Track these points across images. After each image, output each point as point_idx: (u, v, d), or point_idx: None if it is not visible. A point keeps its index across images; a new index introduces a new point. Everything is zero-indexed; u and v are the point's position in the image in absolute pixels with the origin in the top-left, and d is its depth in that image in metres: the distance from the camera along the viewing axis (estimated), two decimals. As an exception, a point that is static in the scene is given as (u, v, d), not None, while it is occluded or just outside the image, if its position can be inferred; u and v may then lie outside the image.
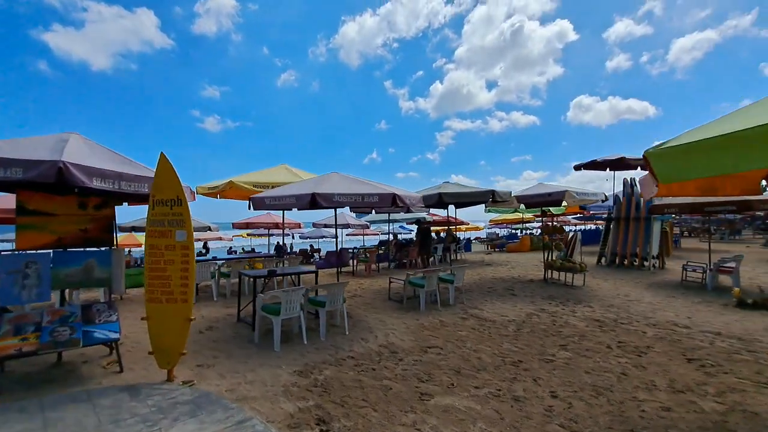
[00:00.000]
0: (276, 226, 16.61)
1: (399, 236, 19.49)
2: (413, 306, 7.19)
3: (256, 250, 22.10)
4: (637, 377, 4.10)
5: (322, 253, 20.28)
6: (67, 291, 5.43)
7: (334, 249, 20.25)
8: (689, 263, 9.57)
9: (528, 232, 30.79)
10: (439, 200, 7.46)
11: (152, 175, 4.09)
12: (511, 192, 8.42)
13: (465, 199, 7.82)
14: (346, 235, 26.92)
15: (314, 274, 6.38)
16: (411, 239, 16.79)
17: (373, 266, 12.00)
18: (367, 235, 26.62)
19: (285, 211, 10.39)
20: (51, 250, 4.36)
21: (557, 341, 5.29)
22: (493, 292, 8.57)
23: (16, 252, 4.21)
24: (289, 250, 23.22)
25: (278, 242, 24.84)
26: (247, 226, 17.46)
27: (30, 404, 3.39)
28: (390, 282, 8.05)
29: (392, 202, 5.54)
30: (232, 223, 17.59)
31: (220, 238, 24.67)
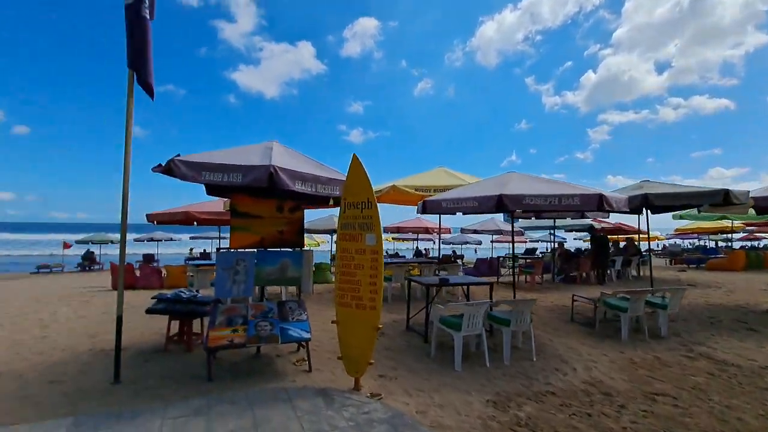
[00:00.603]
0: (426, 230, 16.49)
1: (564, 245, 17.32)
2: (608, 333, 5.88)
3: (399, 254, 22.53)
4: None
5: (465, 259, 19.44)
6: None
7: (482, 256, 19.28)
8: None
9: (727, 244, 24.31)
10: (644, 202, 5.95)
11: (343, 178, 4.04)
12: (749, 192, 6.27)
13: (680, 201, 6.08)
14: (491, 242, 25.44)
15: (489, 287, 5.70)
16: (579, 249, 14.63)
17: (537, 278, 10.69)
18: (516, 242, 24.67)
19: (441, 216, 9.98)
20: (255, 249, 4.74)
21: None
22: (718, 323, 6.53)
23: (231, 250, 4.66)
24: (430, 255, 23.10)
25: (417, 247, 25.03)
26: (398, 230, 17.81)
27: (238, 397, 3.56)
28: (573, 300, 6.83)
29: (597, 205, 4.49)
30: (384, 227, 18.12)
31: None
